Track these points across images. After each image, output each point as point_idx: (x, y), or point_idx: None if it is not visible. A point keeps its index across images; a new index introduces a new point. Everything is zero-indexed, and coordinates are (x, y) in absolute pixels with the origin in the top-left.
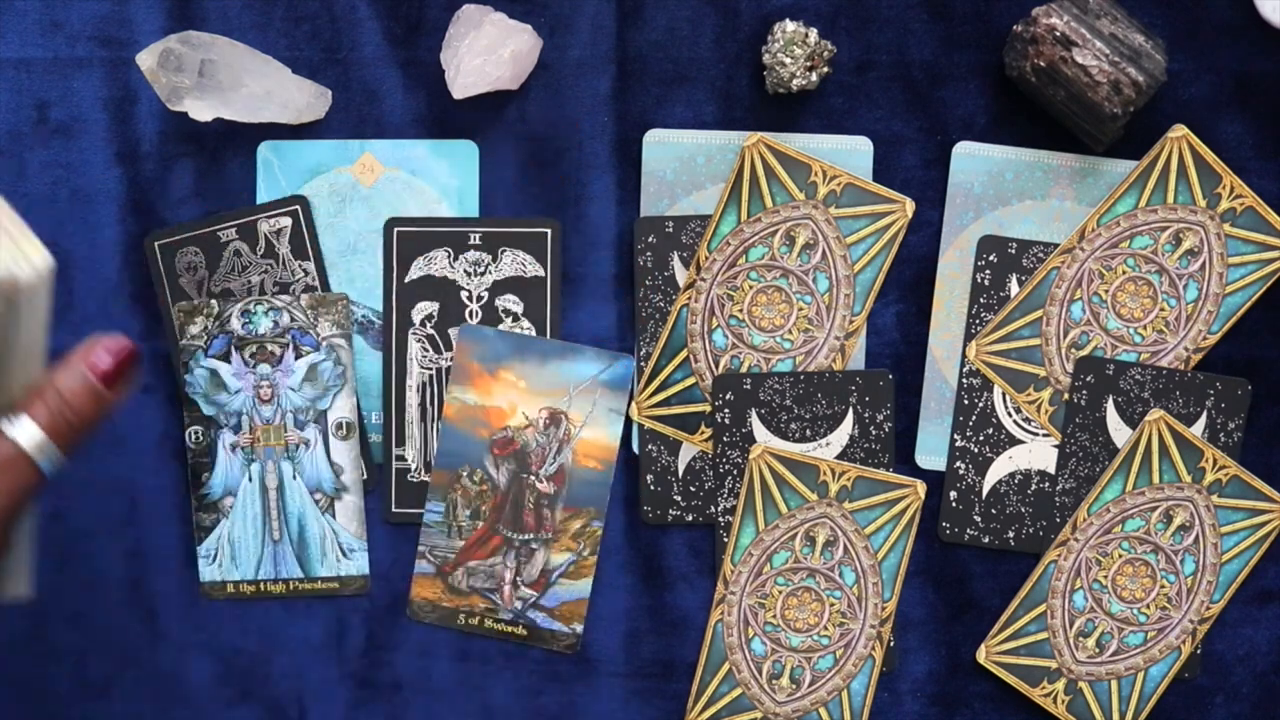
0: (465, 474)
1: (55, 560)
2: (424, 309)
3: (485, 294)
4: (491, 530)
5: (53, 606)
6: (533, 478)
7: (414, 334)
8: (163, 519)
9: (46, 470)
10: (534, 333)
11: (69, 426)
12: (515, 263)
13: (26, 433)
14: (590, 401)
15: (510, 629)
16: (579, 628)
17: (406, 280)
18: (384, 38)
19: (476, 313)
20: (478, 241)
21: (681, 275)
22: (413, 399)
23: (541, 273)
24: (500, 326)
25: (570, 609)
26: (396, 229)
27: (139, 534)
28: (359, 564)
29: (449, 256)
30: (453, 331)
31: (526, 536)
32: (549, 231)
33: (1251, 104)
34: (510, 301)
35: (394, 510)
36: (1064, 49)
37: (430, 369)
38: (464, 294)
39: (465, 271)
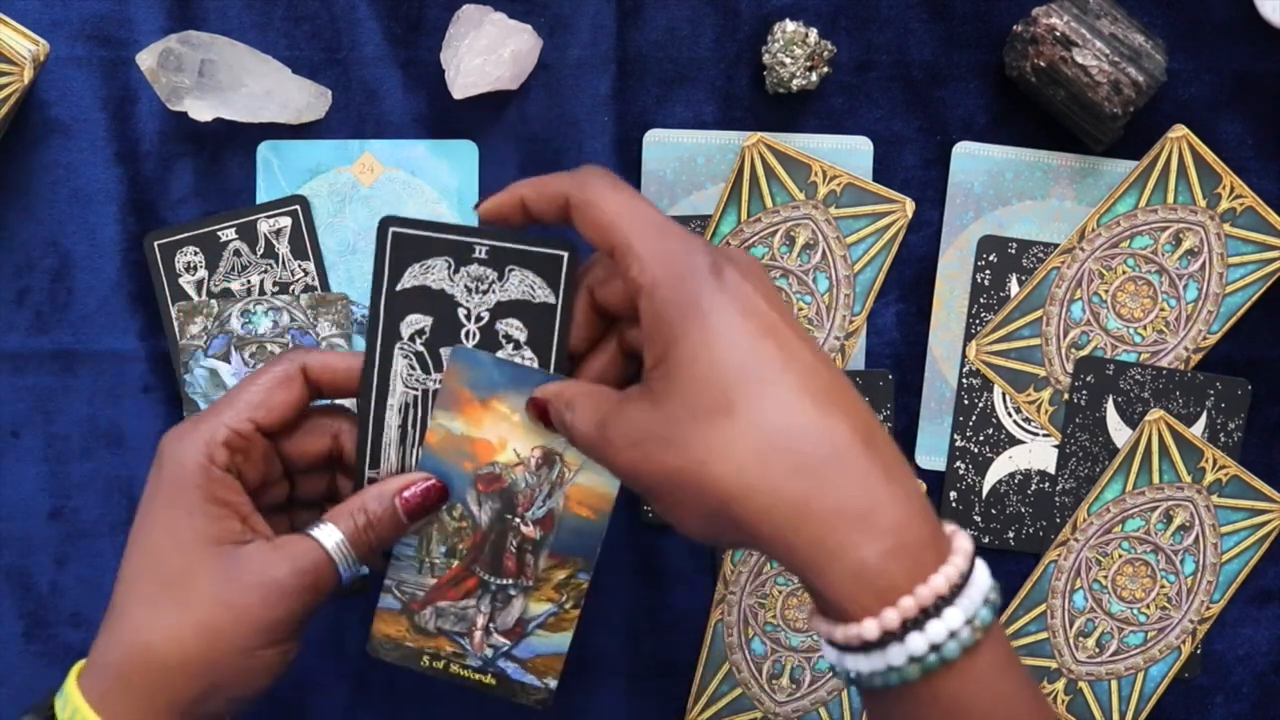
0: (444, 508)
1: (55, 560)
2: (414, 322)
3: (486, 315)
4: (467, 571)
5: (53, 606)
6: (518, 520)
7: (401, 349)
8: None
9: (344, 575)
10: (535, 364)
11: (368, 544)
12: (524, 284)
13: (331, 538)
14: None
15: (478, 676)
16: (553, 683)
17: (398, 288)
18: (384, 38)
19: (474, 334)
20: (483, 255)
21: None
22: (393, 419)
23: (551, 300)
24: (499, 353)
25: (545, 663)
26: (392, 229)
27: None
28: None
29: (449, 268)
30: (444, 351)
31: (505, 581)
32: (565, 255)
33: (1251, 104)
34: (513, 327)
35: None
36: (1064, 49)
37: (416, 389)
38: (462, 312)
39: (466, 287)
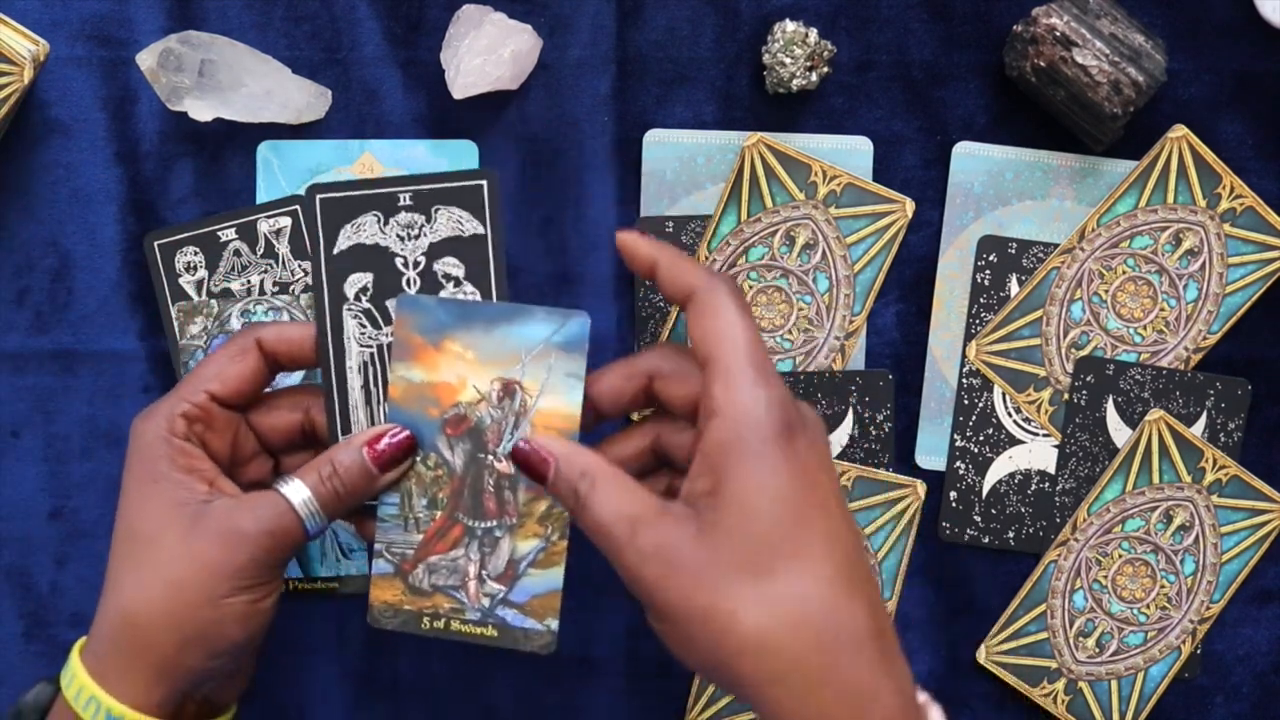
0: (419, 459)
1: (55, 560)
2: (357, 281)
3: (422, 259)
4: (451, 519)
5: (53, 606)
6: (490, 458)
7: (349, 309)
8: None
9: (309, 527)
10: (478, 297)
11: (335, 496)
12: (452, 221)
13: (297, 493)
14: (545, 367)
15: (479, 630)
16: (554, 624)
17: (336, 251)
18: (384, 38)
19: (415, 280)
20: (408, 202)
21: None
22: (354, 381)
23: (481, 229)
24: (442, 294)
25: (542, 603)
26: (319, 196)
27: None
28: (359, 564)
29: (379, 221)
30: (390, 303)
31: (489, 524)
32: (484, 183)
33: (1251, 104)
34: (450, 265)
35: None
36: (1064, 49)
37: (370, 346)
38: (399, 261)
39: (398, 236)
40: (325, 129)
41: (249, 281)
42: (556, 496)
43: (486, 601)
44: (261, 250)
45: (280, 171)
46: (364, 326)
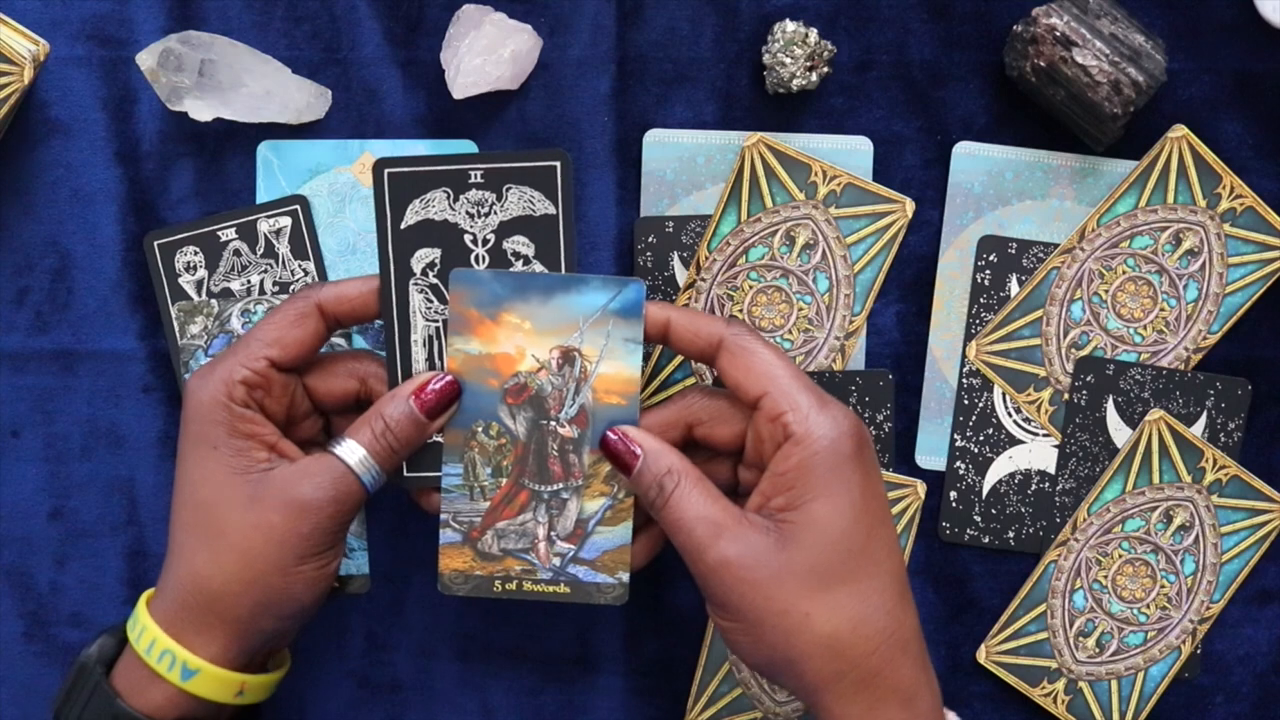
0: (480, 429)
1: (55, 560)
2: (424, 256)
3: (491, 237)
4: (517, 485)
5: (53, 606)
6: (553, 423)
7: (415, 285)
8: (163, 519)
9: (368, 485)
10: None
11: (390, 450)
12: (523, 200)
13: (353, 454)
14: (603, 334)
15: (551, 588)
16: (625, 576)
17: (403, 226)
18: (384, 38)
19: (483, 257)
20: (479, 179)
21: (681, 275)
22: (419, 355)
23: (552, 210)
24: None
25: (612, 558)
26: (387, 170)
27: (139, 534)
28: (359, 564)
29: (448, 198)
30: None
31: (555, 487)
32: (558, 164)
33: (1251, 104)
34: (520, 244)
35: (406, 475)
36: (1064, 49)
37: (435, 321)
38: (468, 238)
39: (467, 213)
40: (325, 129)
41: (249, 281)
42: (637, 488)
43: (557, 561)
44: (261, 250)
45: (280, 171)
46: (430, 301)
